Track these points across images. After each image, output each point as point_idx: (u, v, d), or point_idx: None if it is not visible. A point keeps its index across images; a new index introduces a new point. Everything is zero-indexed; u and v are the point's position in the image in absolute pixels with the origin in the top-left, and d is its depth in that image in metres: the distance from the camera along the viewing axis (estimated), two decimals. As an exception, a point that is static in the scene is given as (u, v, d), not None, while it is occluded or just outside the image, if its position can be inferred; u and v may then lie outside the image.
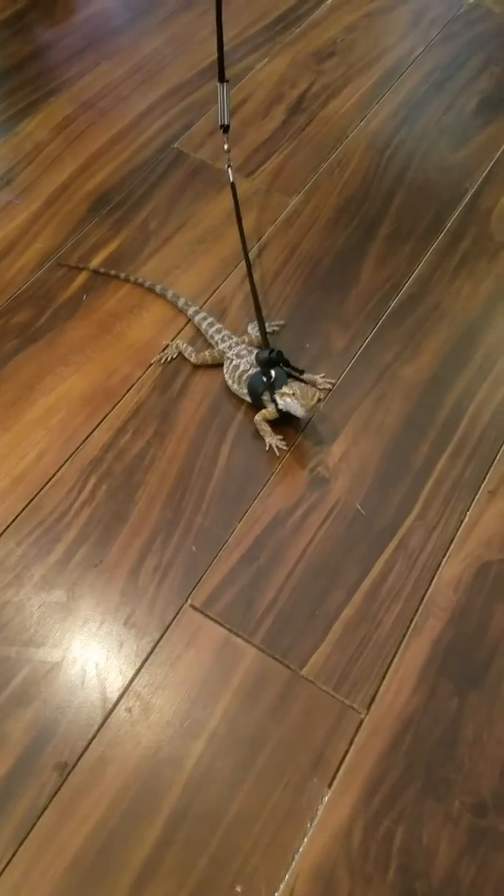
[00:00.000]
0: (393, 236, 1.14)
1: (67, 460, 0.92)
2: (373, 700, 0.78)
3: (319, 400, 0.93)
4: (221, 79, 1.05)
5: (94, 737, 0.75)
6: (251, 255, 1.11)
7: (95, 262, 1.10)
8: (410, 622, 0.82)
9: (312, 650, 0.80)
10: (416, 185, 1.21)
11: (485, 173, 1.23)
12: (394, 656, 0.80)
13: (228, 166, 1.07)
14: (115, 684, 0.78)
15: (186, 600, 0.83)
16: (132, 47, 1.41)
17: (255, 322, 1.03)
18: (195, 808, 0.72)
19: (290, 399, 0.90)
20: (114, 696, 0.77)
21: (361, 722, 0.77)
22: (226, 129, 1.09)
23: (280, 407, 0.92)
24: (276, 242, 1.13)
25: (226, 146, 1.07)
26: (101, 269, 1.09)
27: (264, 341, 0.96)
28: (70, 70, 1.37)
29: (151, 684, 0.78)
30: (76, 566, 0.85)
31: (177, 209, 1.17)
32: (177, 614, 0.82)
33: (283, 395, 0.91)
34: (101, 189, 1.19)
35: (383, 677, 0.79)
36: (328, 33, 1.44)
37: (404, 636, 0.81)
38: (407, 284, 1.09)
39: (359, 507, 0.89)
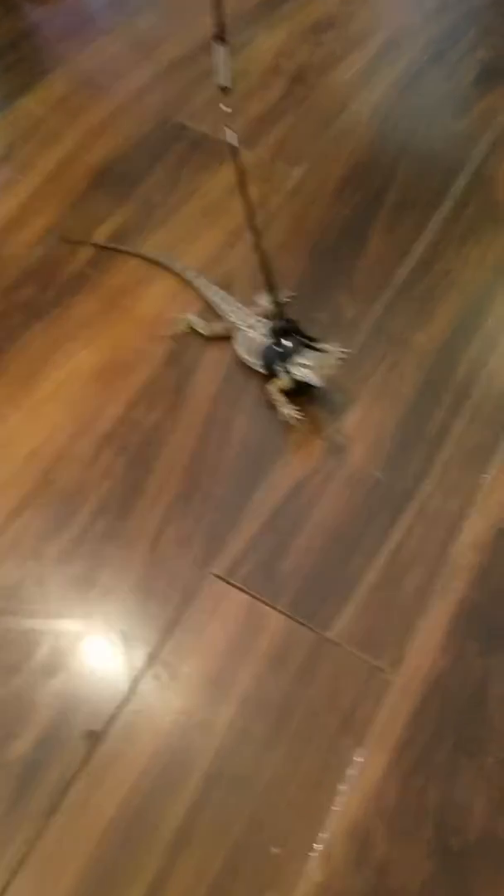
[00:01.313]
0: (400, 205, 1.14)
1: (82, 435, 0.92)
2: (400, 661, 0.78)
3: (335, 368, 0.92)
4: (221, 39, 1.03)
5: (122, 704, 0.75)
6: (258, 225, 1.10)
7: (100, 237, 1.09)
8: (433, 584, 0.82)
9: (337, 614, 0.80)
10: (420, 154, 1.21)
11: (489, 141, 1.23)
12: (419, 618, 0.80)
13: (230, 130, 1.05)
14: (141, 652, 0.78)
15: (209, 569, 0.83)
16: (127, 24, 1.40)
17: (266, 293, 1.02)
18: (227, 772, 0.72)
19: (306, 369, 0.89)
20: (141, 663, 0.77)
21: (389, 682, 0.77)
22: (226, 90, 1.06)
23: (296, 377, 0.91)
24: (282, 213, 1.13)
25: (227, 110, 1.05)
26: (106, 244, 1.08)
27: (277, 311, 0.95)
28: (65, 47, 1.35)
29: (178, 652, 0.78)
30: (96, 539, 0.85)
31: (180, 182, 1.16)
32: (200, 583, 0.82)
33: (298, 365, 0.90)
34: (102, 164, 1.18)
35: (409, 639, 0.79)
36: (324, 7, 1.42)
37: (428, 598, 0.81)
38: (415, 253, 1.08)
39: (378, 474, 0.89)
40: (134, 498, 0.87)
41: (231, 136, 1.07)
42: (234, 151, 1.06)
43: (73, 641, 0.79)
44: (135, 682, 0.76)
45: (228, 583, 0.82)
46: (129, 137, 1.21)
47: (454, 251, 1.09)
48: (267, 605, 0.81)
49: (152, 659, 0.77)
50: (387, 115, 1.26)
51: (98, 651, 0.78)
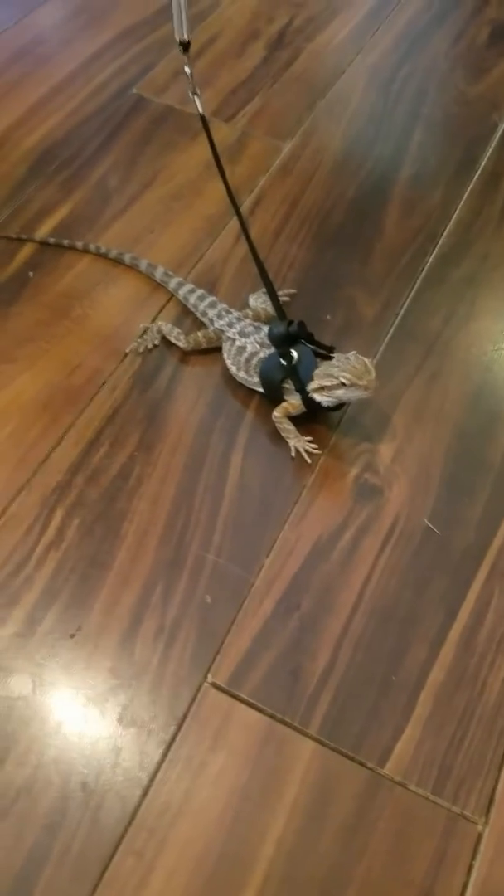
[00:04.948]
0: (417, 179, 0.92)
1: (22, 489, 0.67)
2: (491, 802, 0.54)
3: (371, 379, 0.68)
4: None
5: (86, 907, 0.50)
6: (243, 210, 0.87)
7: (43, 232, 0.86)
8: (525, 680, 0.58)
9: (395, 737, 0.56)
10: (434, 122, 0.99)
11: (513, 105, 1.02)
12: (510, 733, 0.56)
13: (194, 94, 0.83)
14: (113, 815, 0.53)
15: (205, 677, 0.58)
16: (72, -11, 1.18)
17: (259, 292, 0.79)
18: None
19: (344, 390, 0.66)
20: (114, 833, 0.52)
21: (480, 837, 0.53)
22: (186, 47, 0.84)
23: (326, 405, 0.68)
24: (272, 194, 0.90)
25: (187, 69, 0.83)
26: (51, 240, 0.85)
27: (278, 312, 0.72)
28: (1, 14, 1.13)
29: (167, 811, 0.53)
30: (44, 639, 0.60)
31: (142, 162, 0.93)
32: (193, 699, 0.57)
33: (326, 389, 0.67)
34: (44, 144, 0.95)
35: (502, 765, 0.55)
36: (304, -36, 1.22)
37: (520, 702, 0.58)
38: (445, 234, 0.86)
39: (427, 523, 0.66)
40: (97, 576, 0.63)
41: (197, 101, 0.84)
42: (203, 121, 0.83)
43: (14, 801, 0.53)
44: (106, 865, 0.51)
45: (234, 696, 0.57)
46: (76, 113, 0.99)
47: (493, 231, 0.87)
48: (292, 728, 0.56)
49: (130, 824, 0.52)
50: (389, 79, 1.05)
51: (49, 815, 0.52)
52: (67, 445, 0.70)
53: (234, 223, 0.85)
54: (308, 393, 0.68)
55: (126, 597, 0.62)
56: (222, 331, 0.75)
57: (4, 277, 0.81)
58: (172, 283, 0.80)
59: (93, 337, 0.78)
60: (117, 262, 0.83)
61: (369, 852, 0.52)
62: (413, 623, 0.61)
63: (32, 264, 0.83)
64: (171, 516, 0.66)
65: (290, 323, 0.69)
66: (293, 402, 0.70)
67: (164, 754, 0.55)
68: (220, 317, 0.76)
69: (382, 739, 0.55)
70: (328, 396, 0.67)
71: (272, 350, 0.71)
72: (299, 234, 0.86)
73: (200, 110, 0.82)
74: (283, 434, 0.70)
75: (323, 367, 0.68)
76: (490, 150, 0.96)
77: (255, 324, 0.75)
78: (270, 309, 0.74)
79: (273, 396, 0.71)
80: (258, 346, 0.72)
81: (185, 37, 0.84)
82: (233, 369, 0.74)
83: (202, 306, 0.78)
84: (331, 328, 0.78)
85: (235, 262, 0.83)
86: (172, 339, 0.77)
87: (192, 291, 0.79)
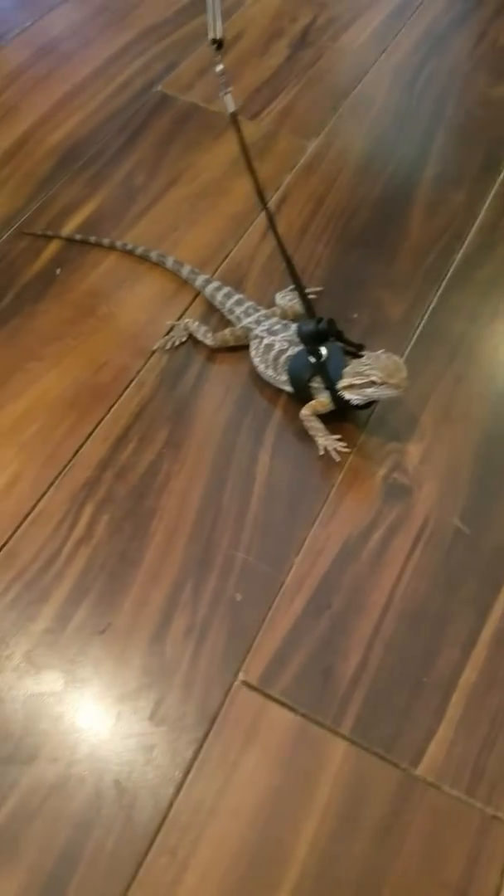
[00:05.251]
0: (441, 180, 0.92)
1: (51, 485, 0.67)
2: (524, 804, 0.54)
3: (404, 377, 0.67)
4: None
5: (120, 904, 0.49)
6: (269, 207, 0.87)
7: (69, 228, 0.86)
8: None
9: (427, 737, 0.55)
10: (457, 122, 0.99)
11: (537, 106, 1.02)
12: (543, 735, 0.56)
13: (226, 93, 0.82)
14: (145, 813, 0.52)
15: (237, 675, 0.58)
16: (94, -13, 1.18)
17: (286, 290, 0.79)
18: None
19: (374, 388, 0.66)
20: (147, 831, 0.52)
21: (513, 840, 0.53)
22: (219, 45, 0.83)
23: (355, 403, 0.68)
24: (297, 193, 0.90)
25: (220, 67, 0.82)
26: (77, 236, 0.85)
27: (307, 309, 0.72)
28: (20, 14, 1.13)
29: (200, 809, 0.53)
30: (74, 636, 0.60)
31: (167, 160, 0.93)
32: (225, 698, 0.57)
33: (356, 387, 0.66)
34: (69, 141, 0.95)
35: (534, 768, 0.55)
36: (326, -37, 1.22)
37: (553, 703, 0.57)
38: (470, 235, 0.86)
39: (458, 523, 0.65)
40: (127, 572, 0.63)
41: (228, 100, 0.84)
42: (233, 118, 0.83)
43: (45, 799, 0.53)
44: (140, 862, 0.51)
45: (266, 695, 0.57)
46: (101, 110, 0.99)
47: (518, 233, 0.87)
48: (324, 727, 0.56)
49: (163, 822, 0.52)
50: (412, 79, 1.05)
51: (82, 813, 0.52)
52: (96, 442, 0.70)
53: (259, 221, 0.85)
54: (338, 390, 0.68)
55: (156, 594, 0.62)
56: (250, 328, 0.75)
57: (31, 274, 0.81)
58: (199, 281, 0.80)
59: (119, 335, 0.77)
60: (143, 259, 0.83)
61: (403, 853, 0.52)
62: (444, 624, 0.60)
63: (59, 261, 0.83)
64: (199, 514, 0.66)
65: (320, 320, 0.69)
66: (322, 401, 0.70)
67: (197, 752, 0.55)
68: (247, 314, 0.76)
69: (415, 740, 0.55)
70: (358, 394, 0.67)
71: (300, 348, 0.70)
72: (325, 233, 0.86)
73: (231, 109, 0.82)
74: (311, 432, 0.70)
75: (353, 365, 0.68)
76: (515, 151, 0.96)
77: (283, 321, 0.75)
78: (298, 307, 0.74)
79: (301, 395, 0.71)
80: (286, 344, 0.72)
81: (219, 34, 0.83)
82: (260, 367, 0.74)
83: (229, 304, 0.77)
84: (358, 327, 0.78)
85: (262, 259, 0.83)
86: (199, 337, 0.76)
87: (218, 289, 0.79)
